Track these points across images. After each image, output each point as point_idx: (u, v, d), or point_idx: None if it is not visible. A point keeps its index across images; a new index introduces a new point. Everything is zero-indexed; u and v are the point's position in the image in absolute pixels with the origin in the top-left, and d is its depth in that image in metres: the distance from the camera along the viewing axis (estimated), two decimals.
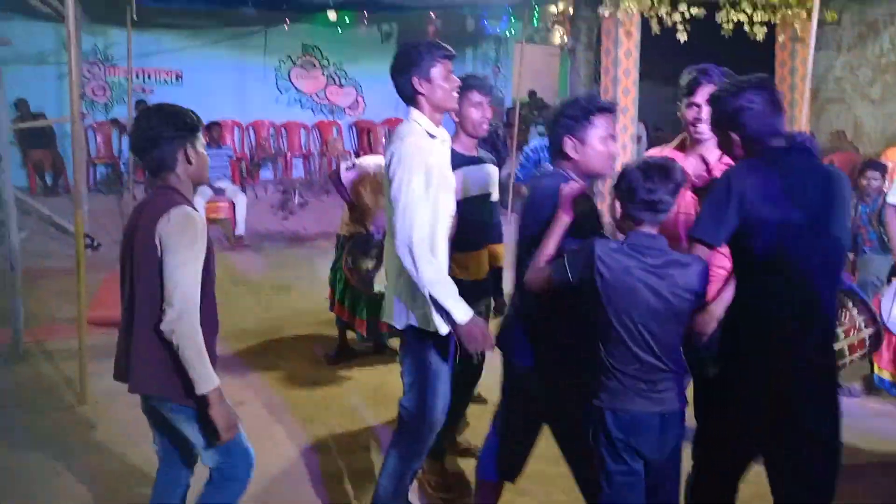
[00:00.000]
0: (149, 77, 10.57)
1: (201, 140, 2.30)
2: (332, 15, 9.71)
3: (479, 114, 3.04)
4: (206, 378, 2.12)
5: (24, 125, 8.55)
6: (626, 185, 2.09)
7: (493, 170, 3.25)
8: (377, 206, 4.41)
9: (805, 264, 2.12)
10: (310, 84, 11.67)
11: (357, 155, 11.58)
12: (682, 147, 2.79)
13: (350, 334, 4.80)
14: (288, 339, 5.22)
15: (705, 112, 2.57)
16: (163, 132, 2.19)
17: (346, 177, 4.63)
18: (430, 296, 2.44)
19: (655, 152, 2.86)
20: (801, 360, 2.15)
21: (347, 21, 10.42)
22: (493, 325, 2.79)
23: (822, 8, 6.57)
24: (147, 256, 2.15)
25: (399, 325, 2.67)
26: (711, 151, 2.66)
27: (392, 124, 11.84)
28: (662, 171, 2.07)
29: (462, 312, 2.44)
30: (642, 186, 2.06)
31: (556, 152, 2.36)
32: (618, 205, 2.14)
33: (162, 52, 10.40)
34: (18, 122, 8.72)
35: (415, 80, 2.54)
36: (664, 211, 2.09)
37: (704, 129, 2.61)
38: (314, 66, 11.67)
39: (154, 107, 2.29)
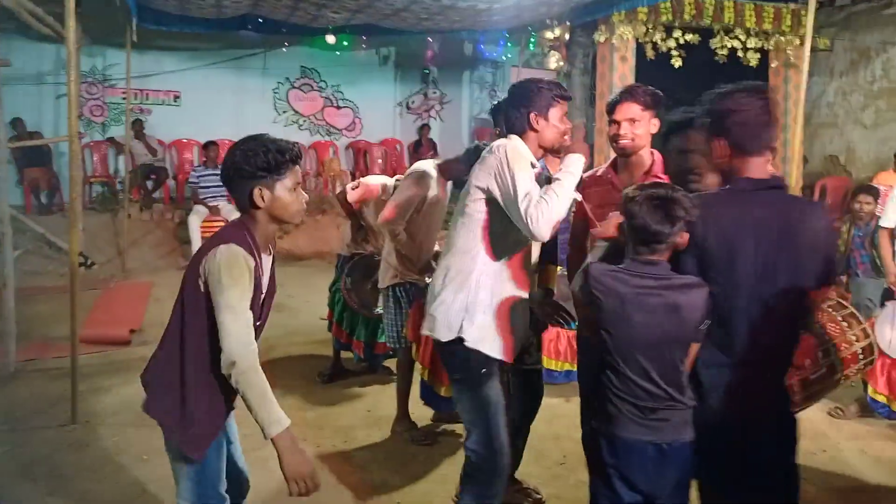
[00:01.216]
0: (147, 97, 10.62)
1: (290, 180, 2.10)
2: (330, 38, 9.78)
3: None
4: (272, 421, 1.95)
5: (21, 144, 8.57)
6: (629, 217, 2.08)
7: None
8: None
9: (758, 308, 2.02)
10: (307, 105, 11.74)
11: (353, 175, 11.62)
12: (614, 165, 2.87)
13: (346, 353, 4.79)
14: (280, 359, 5.20)
15: (625, 129, 2.70)
16: (241, 168, 2.07)
17: (352, 196, 4.65)
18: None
19: (591, 171, 2.93)
20: (755, 404, 2.08)
21: (346, 44, 10.50)
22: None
23: (814, 35, 6.65)
24: (190, 288, 2.07)
25: (446, 338, 2.57)
26: (639, 167, 2.75)
27: (388, 145, 11.90)
28: (664, 207, 2.01)
29: None
30: (643, 221, 2.03)
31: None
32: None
33: (161, 72, 10.46)
34: (15, 140, 8.74)
35: (532, 116, 2.59)
36: (663, 243, 2.04)
37: (626, 144, 2.72)
38: (312, 87, 11.76)
39: (248, 138, 2.15)
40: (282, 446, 1.92)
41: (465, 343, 2.52)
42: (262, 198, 2.07)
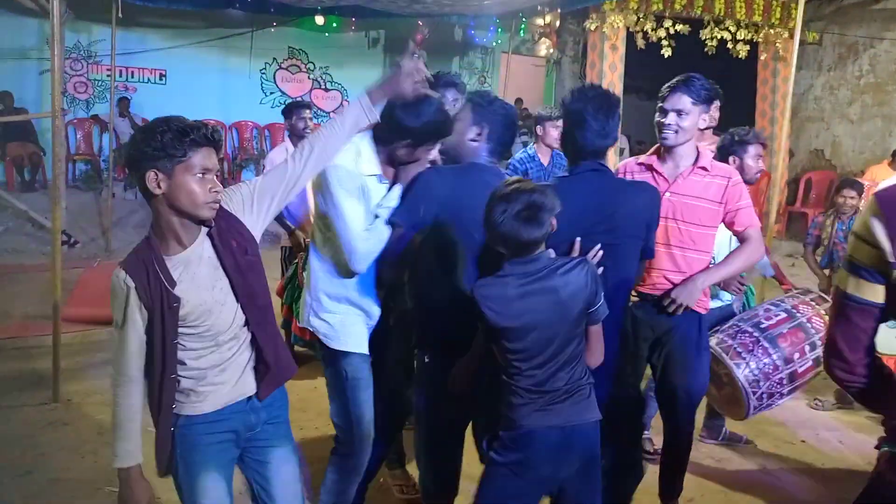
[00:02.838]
0: (132, 75, 10.48)
1: (197, 164, 1.80)
2: (319, 19, 9.69)
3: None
4: (120, 454, 1.87)
5: (4, 119, 8.44)
6: (497, 237, 2.00)
7: None
8: None
9: None
10: (295, 87, 11.64)
11: None
12: (657, 153, 2.83)
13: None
14: None
15: (671, 119, 2.65)
16: (138, 149, 1.80)
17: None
18: None
19: (634, 157, 2.92)
20: None
21: (335, 26, 10.41)
22: None
23: (803, 28, 6.68)
24: None
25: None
26: (684, 158, 2.72)
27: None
28: (534, 217, 1.94)
29: None
30: (515, 236, 1.96)
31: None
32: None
33: (146, 50, 10.32)
34: (1, 115, 8.62)
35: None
36: (541, 244, 1.99)
37: (669, 136, 2.68)
38: (300, 69, 11.65)
39: (155, 119, 1.84)
40: (124, 478, 1.87)
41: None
42: (158, 184, 1.77)
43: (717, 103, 3.04)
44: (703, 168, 2.71)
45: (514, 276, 2.00)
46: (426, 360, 2.53)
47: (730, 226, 2.75)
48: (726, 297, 3.33)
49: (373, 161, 2.41)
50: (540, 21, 10.70)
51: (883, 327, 3.26)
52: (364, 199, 2.37)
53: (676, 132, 2.65)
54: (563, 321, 1.99)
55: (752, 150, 3.38)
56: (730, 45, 8.66)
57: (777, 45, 9.03)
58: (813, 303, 3.19)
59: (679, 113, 2.64)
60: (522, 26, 10.91)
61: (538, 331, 1.98)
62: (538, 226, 1.95)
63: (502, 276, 2.02)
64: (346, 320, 2.50)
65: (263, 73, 11.37)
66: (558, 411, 2.01)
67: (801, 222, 9.23)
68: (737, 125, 3.53)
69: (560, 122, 3.94)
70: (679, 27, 8.39)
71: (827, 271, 4.79)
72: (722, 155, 3.43)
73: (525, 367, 2.01)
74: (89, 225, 8.52)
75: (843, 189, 5.14)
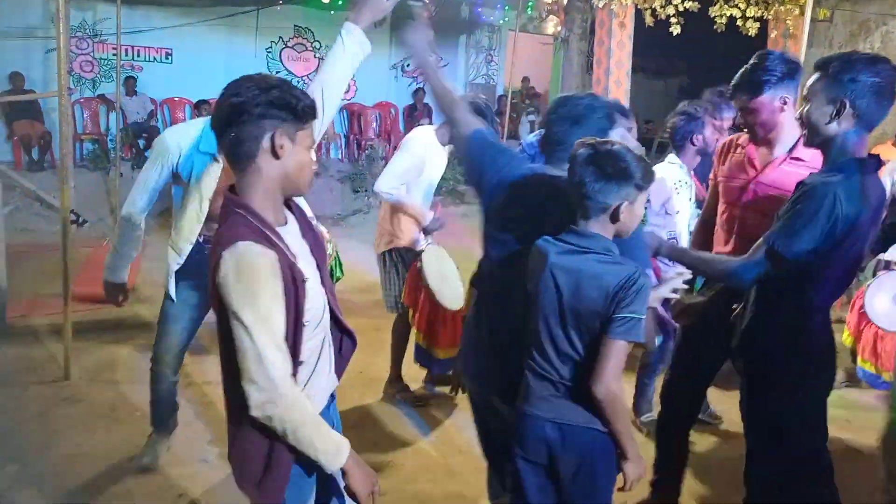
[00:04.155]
0: (138, 54, 10.44)
1: (309, 137, 1.64)
2: None
3: None
4: (333, 451, 1.61)
5: (7, 98, 8.43)
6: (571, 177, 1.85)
7: None
8: None
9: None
10: (301, 66, 11.58)
11: (347, 139, 11.53)
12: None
13: None
14: None
15: (741, 120, 2.59)
16: (253, 105, 1.54)
17: None
18: None
19: (732, 136, 2.80)
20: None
21: (340, 4, 10.32)
22: None
23: (814, 5, 6.59)
24: (219, 308, 1.58)
25: None
26: (780, 144, 2.55)
27: (383, 109, 11.78)
28: (598, 160, 1.80)
29: None
30: (572, 172, 1.83)
31: None
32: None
33: (152, 29, 10.27)
34: (8, 95, 8.61)
35: None
36: (594, 209, 1.83)
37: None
38: (306, 48, 11.59)
39: (248, 76, 1.61)
40: (349, 468, 1.64)
41: None
42: (282, 147, 1.57)
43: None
44: (797, 159, 2.47)
45: (559, 238, 1.87)
46: None
47: None
48: None
49: None
50: None
51: (886, 301, 3.16)
52: None
53: (753, 131, 2.53)
54: (566, 308, 1.83)
55: (711, 123, 3.46)
56: (739, 23, 8.55)
57: (787, 22, 8.90)
58: None
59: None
60: (530, 4, 10.81)
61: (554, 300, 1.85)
62: (611, 181, 1.78)
63: (551, 239, 1.89)
64: None
65: (269, 52, 11.32)
66: (556, 406, 1.88)
67: None
68: None
69: None
70: (688, 4, 8.28)
71: None
72: (680, 135, 3.44)
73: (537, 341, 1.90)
74: (97, 204, 8.54)
75: None
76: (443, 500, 3.06)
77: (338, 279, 4.73)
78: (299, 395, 1.58)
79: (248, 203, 1.59)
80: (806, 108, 2.12)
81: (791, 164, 2.49)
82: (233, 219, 1.57)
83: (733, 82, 2.51)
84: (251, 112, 1.54)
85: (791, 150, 2.50)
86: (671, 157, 3.54)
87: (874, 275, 4.43)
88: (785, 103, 2.46)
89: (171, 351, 3.04)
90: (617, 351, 1.76)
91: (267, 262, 1.51)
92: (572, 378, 1.85)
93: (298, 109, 1.58)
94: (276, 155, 1.57)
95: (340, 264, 4.76)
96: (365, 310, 5.08)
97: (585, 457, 1.88)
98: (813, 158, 2.35)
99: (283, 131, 1.57)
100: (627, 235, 1.90)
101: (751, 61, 2.47)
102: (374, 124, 11.65)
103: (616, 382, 1.78)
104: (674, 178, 3.48)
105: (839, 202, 1.95)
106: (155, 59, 10.58)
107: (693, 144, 3.47)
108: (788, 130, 2.49)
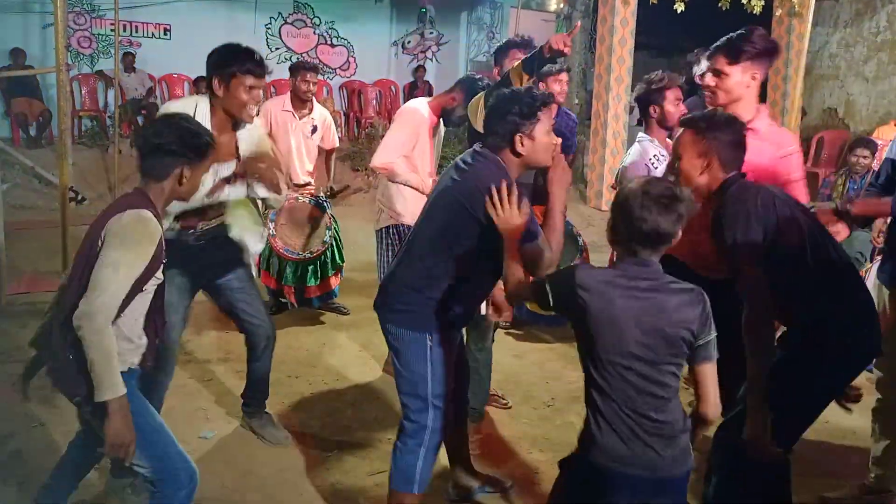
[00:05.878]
0: (136, 30, 10.33)
1: (206, 166, 2.27)
2: None
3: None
4: (107, 386, 2.01)
5: (5, 73, 8.36)
6: (623, 212, 1.83)
7: None
8: None
9: None
10: (300, 43, 11.47)
11: (347, 117, 11.46)
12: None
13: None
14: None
15: (708, 80, 2.64)
16: (170, 144, 2.14)
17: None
18: None
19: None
20: None
21: None
22: None
23: None
24: (88, 250, 2.11)
25: None
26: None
27: (383, 86, 11.69)
28: (663, 202, 1.79)
29: None
30: (639, 217, 1.79)
31: (505, 146, 2.29)
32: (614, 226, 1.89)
33: (150, 4, 10.16)
34: (7, 71, 8.55)
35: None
36: (663, 243, 1.83)
37: (707, 99, 2.69)
38: (305, 24, 11.47)
39: (169, 117, 2.30)
40: (111, 409, 2.01)
41: None
42: (186, 177, 2.23)
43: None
44: (751, 129, 2.48)
45: (619, 274, 1.85)
46: None
47: None
48: None
49: None
50: None
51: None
52: None
53: (714, 93, 2.61)
54: (656, 344, 1.80)
55: (671, 94, 3.20)
56: (744, 1, 8.46)
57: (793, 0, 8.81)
58: None
59: (716, 73, 2.59)
60: None
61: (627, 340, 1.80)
62: (674, 216, 1.79)
63: (608, 272, 1.90)
64: None
65: (269, 28, 11.20)
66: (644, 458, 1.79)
67: (813, 182, 9.14)
68: None
69: (563, 76, 3.86)
70: None
71: None
72: (642, 106, 3.29)
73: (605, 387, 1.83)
74: (96, 181, 8.51)
75: (857, 148, 5.08)
76: (441, 476, 3.07)
77: (339, 267, 4.73)
78: (109, 329, 2.01)
79: (154, 202, 2.18)
80: None
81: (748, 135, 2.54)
82: (143, 199, 2.15)
83: (717, 43, 2.63)
84: (168, 150, 2.14)
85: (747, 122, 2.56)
86: (640, 134, 3.32)
87: (872, 259, 4.42)
88: (753, 79, 2.59)
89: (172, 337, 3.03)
90: None
91: (155, 228, 2.11)
92: (657, 418, 1.83)
93: (202, 152, 2.19)
94: (180, 182, 2.18)
95: (341, 252, 4.74)
96: (365, 288, 5.08)
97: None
98: (768, 131, 2.60)
99: (189, 166, 2.18)
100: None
101: (740, 31, 2.60)
102: (375, 102, 11.57)
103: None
104: (648, 154, 3.19)
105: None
106: (153, 35, 10.47)
107: (650, 116, 3.26)
108: (746, 106, 2.60)
